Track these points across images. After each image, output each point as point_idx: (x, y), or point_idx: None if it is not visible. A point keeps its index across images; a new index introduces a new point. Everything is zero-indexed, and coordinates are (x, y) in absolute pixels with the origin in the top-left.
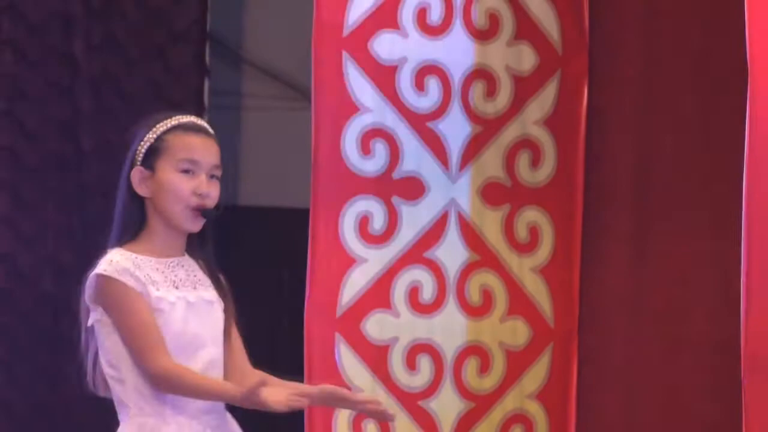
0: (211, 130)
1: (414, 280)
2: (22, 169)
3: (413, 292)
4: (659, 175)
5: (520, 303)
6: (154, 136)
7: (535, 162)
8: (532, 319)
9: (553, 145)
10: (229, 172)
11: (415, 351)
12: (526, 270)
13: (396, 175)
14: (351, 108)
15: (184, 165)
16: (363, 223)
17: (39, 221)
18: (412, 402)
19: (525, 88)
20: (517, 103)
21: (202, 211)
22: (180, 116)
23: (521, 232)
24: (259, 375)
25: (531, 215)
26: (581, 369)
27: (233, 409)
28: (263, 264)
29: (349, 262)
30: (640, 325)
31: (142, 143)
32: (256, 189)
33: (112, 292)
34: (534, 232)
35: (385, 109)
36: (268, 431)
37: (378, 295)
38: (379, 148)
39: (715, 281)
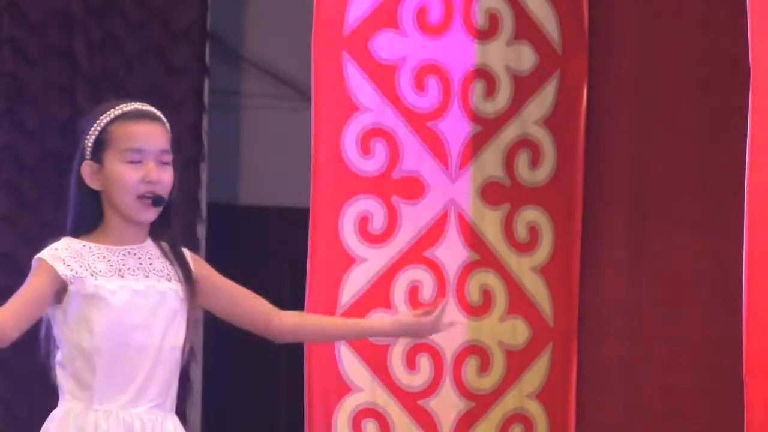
0: (157, 114)
1: (414, 279)
2: (22, 168)
3: (413, 292)
4: (657, 175)
5: (519, 302)
6: (99, 128)
7: (535, 161)
8: (532, 318)
9: (553, 145)
10: (229, 171)
11: (415, 350)
12: (526, 269)
13: (396, 174)
14: (351, 107)
15: (130, 155)
16: (363, 222)
17: (39, 220)
18: (412, 401)
19: (525, 87)
20: (517, 103)
21: (152, 198)
22: (123, 104)
23: (521, 232)
24: (289, 314)
25: (530, 215)
26: (581, 368)
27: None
28: (263, 263)
29: (348, 261)
30: (638, 325)
31: (88, 136)
32: (255, 188)
33: (34, 273)
34: (533, 231)
35: (384, 109)
36: (268, 431)
37: (378, 294)
38: (379, 148)
39: (712, 281)
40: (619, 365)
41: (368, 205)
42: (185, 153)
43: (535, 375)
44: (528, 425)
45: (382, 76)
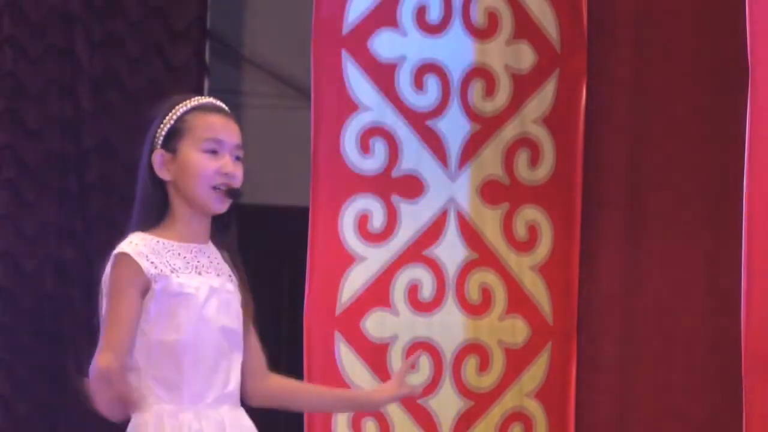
0: (230, 112)
1: (413, 278)
2: (23, 168)
3: (413, 291)
4: (654, 175)
5: (519, 301)
6: (175, 117)
7: (534, 160)
8: (531, 317)
9: (552, 144)
10: None
11: (415, 349)
12: (525, 268)
13: (395, 173)
14: (350, 106)
15: (209, 145)
16: (362, 221)
17: (40, 220)
18: (412, 400)
19: (524, 86)
20: (516, 102)
21: (227, 190)
22: (198, 97)
23: (520, 231)
24: (275, 378)
25: (530, 214)
26: (580, 367)
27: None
28: (263, 262)
29: (348, 260)
30: (635, 324)
31: (162, 126)
32: (255, 187)
33: (120, 269)
34: (533, 230)
35: (384, 108)
36: (268, 430)
37: (377, 293)
38: (379, 147)
39: (710, 280)
40: (616, 365)
41: (368, 203)
42: None
43: (535, 374)
44: (527, 424)
45: (382, 75)
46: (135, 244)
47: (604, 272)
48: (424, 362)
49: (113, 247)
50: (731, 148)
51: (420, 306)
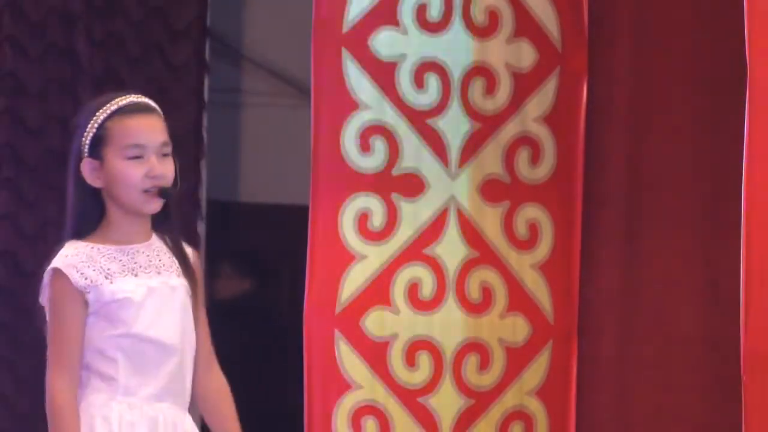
0: (153, 105)
1: (413, 276)
2: (22, 166)
3: (413, 289)
4: (654, 174)
5: (519, 300)
6: (96, 124)
7: (535, 159)
8: (532, 315)
9: (553, 142)
10: (228, 168)
11: (415, 348)
12: (526, 267)
13: (395, 171)
14: (350, 105)
15: (131, 151)
16: (362, 219)
17: (40, 218)
18: (412, 399)
19: (524, 85)
20: (517, 100)
21: (158, 191)
22: (118, 98)
23: (521, 229)
24: (220, 385)
25: (530, 212)
26: (581, 365)
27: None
28: (262, 261)
29: (348, 258)
30: (635, 323)
31: (85, 134)
32: (255, 186)
33: (54, 286)
34: (533, 228)
35: (384, 106)
36: (268, 429)
37: (377, 291)
38: (379, 145)
39: (710, 279)
40: (616, 363)
41: (368, 202)
42: (185, 151)
43: (535, 372)
44: (528, 423)
45: (382, 74)
46: (65, 256)
47: (604, 271)
48: (425, 361)
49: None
50: (731, 147)
51: (420, 304)
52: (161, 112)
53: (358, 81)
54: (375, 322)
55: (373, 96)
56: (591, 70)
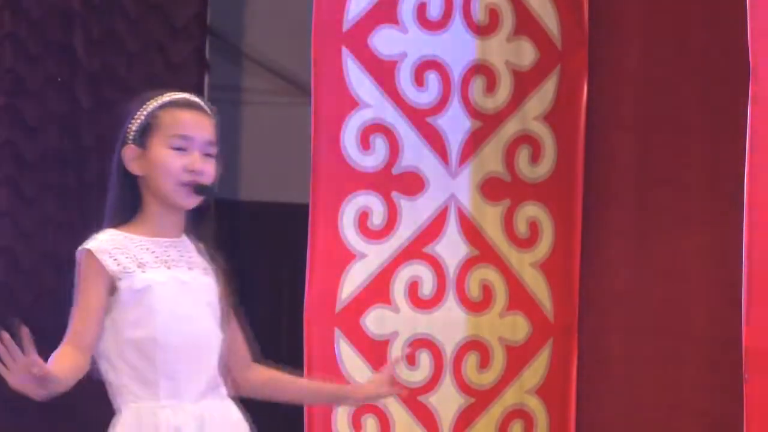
0: (206, 107)
1: (414, 275)
2: (22, 164)
3: (413, 287)
4: (659, 170)
5: (519, 298)
6: (145, 112)
7: (535, 157)
8: (532, 314)
9: (553, 141)
10: (228, 167)
11: (415, 346)
12: (526, 265)
13: (396, 170)
14: (351, 103)
15: (177, 141)
16: (363, 218)
17: (39, 216)
18: (412, 397)
19: (525, 83)
20: (517, 99)
21: (195, 187)
22: (173, 93)
23: (521, 227)
24: (260, 369)
25: (531, 210)
26: (581, 364)
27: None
28: (263, 259)
29: (348, 257)
30: (640, 321)
31: (133, 120)
32: (255, 184)
33: (84, 266)
34: (534, 227)
35: (384, 105)
36: (268, 428)
37: (378, 290)
38: (379, 144)
39: (714, 276)
40: (621, 361)
41: (368, 200)
42: None
43: (536, 370)
44: (528, 421)
45: (382, 72)
46: (99, 241)
47: (611, 268)
48: (425, 359)
49: None
50: (738, 143)
51: (420, 303)
52: (212, 116)
53: (358, 79)
54: (375, 321)
55: (374, 94)
56: (598, 69)
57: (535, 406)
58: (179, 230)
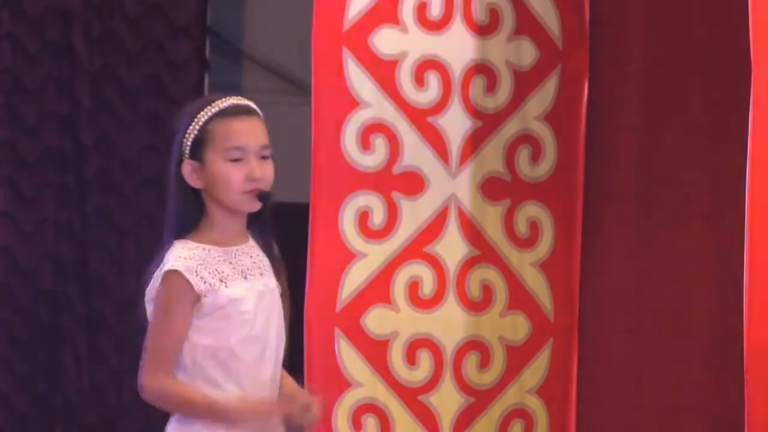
0: (254, 107)
1: (414, 275)
2: (21, 164)
3: (413, 287)
4: (661, 169)
5: (520, 298)
6: (198, 126)
7: (536, 157)
8: (532, 313)
9: (554, 140)
10: None
11: (415, 346)
12: (526, 265)
13: (396, 169)
14: (351, 103)
15: (232, 153)
16: (363, 217)
17: (38, 216)
18: (412, 397)
19: (525, 83)
20: (518, 98)
21: (258, 194)
22: (220, 100)
23: (521, 227)
24: (287, 382)
25: (531, 210)
26: (582, 364)
27: None
28: None
29: (348, 256)
30: (641, 320)
31: (186, 135)
32: None
33: (171, 287)
34: (534, 226)
35: (385, 104)
36: None
37: (378, 290)
38: (379, 143)
39: (716, 275)
40: (620, 360)
41: (368, 200)
42: None
43: (536, 370)
44: (528, 421)
45: (383, 72)
46: (184, 258)
47: (613, 267)
48: (425, 359)
49: (111, 243)
50: (741, 141)
51: (420, 303)
52: (260, 114)
53: (358, 79)
54: (375, 321)
55: (374, 94)
56: (599, 68)
57: (536, 406)
58: (245, 235)
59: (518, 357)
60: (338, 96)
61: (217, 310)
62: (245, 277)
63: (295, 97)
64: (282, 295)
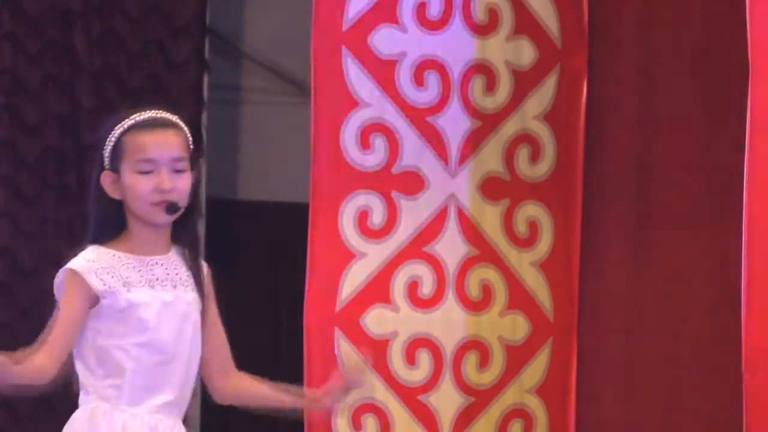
0: (172, 120)
1: (413, 274)
2: (21, 164)
3: (413, 287)
4: (659, 170)
5: (519, 297)
6: (113, 138)
7: (535, 157)
8: (532, 313)
9: (553, 140)
10: (228, 166)
11: (415, 345)
12: (526, 264)
13: (395, 169)
14: (350, 103)
15: (142, 165)
16: (362, 217)
17: (39, 216)
18: (412, 396)
19: (524, 82)
20: (517, 98)
21: (166, 206)
22: (139, 113)
23: (521, 227)
24: (240, 376)
25: (530, 210)
26: (581, 363)
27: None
28: (263, 259)
29: (348, 256)
30: (639, 320)
31: (105, 146)
32: (255, 184)
33: (68, 284)
34: (533, 226)
35: (384, 104)
36: (268, 427)
37: (377, 289)
38: (379, 143)
39: (714, 276)
40: (619, 361)
41: (368, 200)
42: None
43: (535, 370)
44: (528, 420)
45: (382, 71)
46: (86, 260)
47: (610, 267)
48: (425, 359)
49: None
50: (738, 142)
51: (420, 302)
52: (182, 127)
53: (358, 79)
54: (375, 320)
55: (373, 94)
56: (598, 68)
57: (535, 405)
58: (165, 246)
59: (518, 357)
60: (338, 96)
61: (116, 313)
62: (152, 287)
63: (294, 97)
64: (202, 309)
